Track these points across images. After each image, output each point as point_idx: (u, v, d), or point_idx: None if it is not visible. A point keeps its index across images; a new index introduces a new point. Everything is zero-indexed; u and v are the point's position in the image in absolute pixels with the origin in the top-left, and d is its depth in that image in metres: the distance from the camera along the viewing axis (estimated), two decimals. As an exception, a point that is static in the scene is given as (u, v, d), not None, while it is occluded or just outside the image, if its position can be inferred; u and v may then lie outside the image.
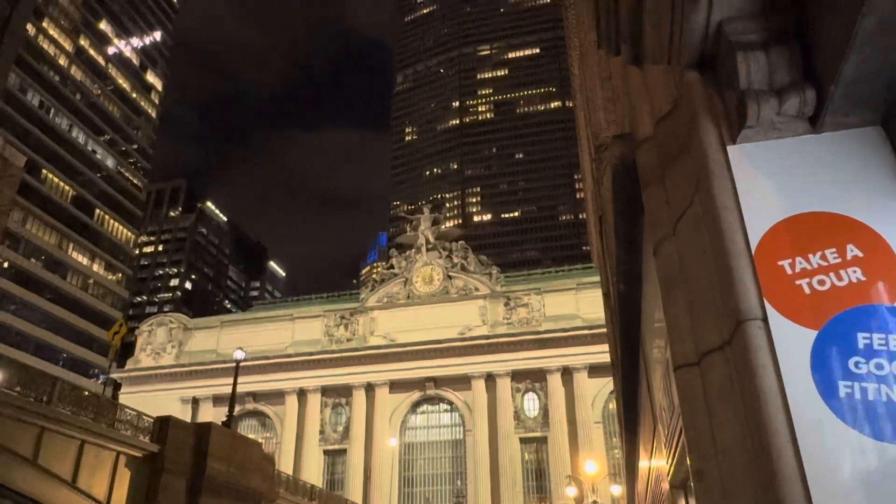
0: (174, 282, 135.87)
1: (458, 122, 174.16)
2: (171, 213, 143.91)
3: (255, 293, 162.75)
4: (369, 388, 46.71)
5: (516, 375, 44.56)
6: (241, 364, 35.19)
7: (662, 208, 3.49)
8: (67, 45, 77.61)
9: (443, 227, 55.93)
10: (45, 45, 74.08)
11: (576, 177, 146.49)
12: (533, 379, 44.27)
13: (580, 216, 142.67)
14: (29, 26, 71.04)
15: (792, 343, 2.61)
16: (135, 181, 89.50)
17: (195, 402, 49.51)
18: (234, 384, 28.83)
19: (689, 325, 3.15)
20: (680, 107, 3.32)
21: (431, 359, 45.71)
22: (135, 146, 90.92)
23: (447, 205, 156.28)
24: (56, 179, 72.42)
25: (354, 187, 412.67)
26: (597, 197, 11.33)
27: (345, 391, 47.32)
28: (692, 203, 3.16)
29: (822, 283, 2.65)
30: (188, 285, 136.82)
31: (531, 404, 44.44)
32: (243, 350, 31.72)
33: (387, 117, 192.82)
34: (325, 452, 46.84)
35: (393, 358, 46.49)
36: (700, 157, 3.05)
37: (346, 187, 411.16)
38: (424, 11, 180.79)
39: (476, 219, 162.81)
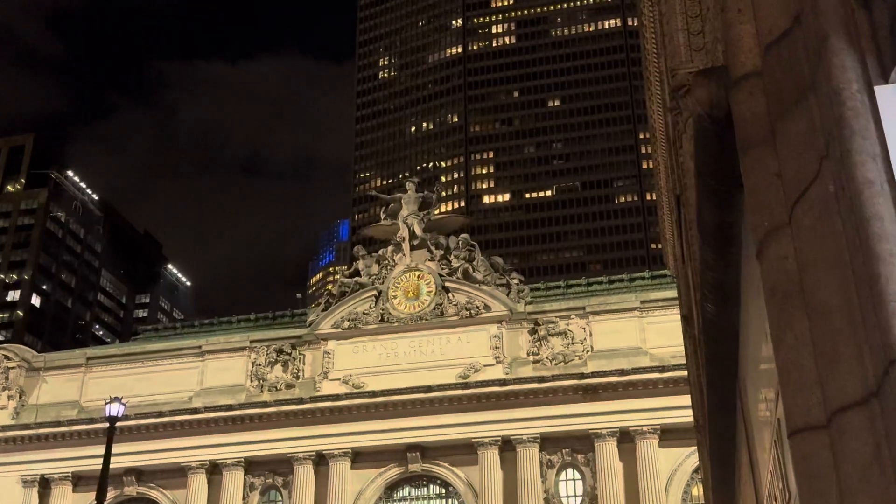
0: (13, 295, 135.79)
1: (459, 50, 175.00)
2: (10, 188, 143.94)
3: (142, 313, 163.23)
4: (321, 462, 46.74)
5: (548, 442, 44.67)
6: (119, 424, 35.07)
7: (772, 184, 3.49)
8: None
9: (436, 212, 55.86)
10: None
11: (642, 136, 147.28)
12: (574, 448, 44.35)
13: (648, 197, 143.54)
14: None
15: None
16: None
17: (45, 483, 49.40)
18: (107, 456, 28.75)
19: (812, 366, 3.14)
20: (803, 25, 3.31)
21: (417, 416, 45.74)
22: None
23: (443, 178, 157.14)
24: None
25: (300, 151, 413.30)
26: (673, 167, 11.36)
27: (283, 466, 47.34)
28: (819, 175, 3.15)
29: None
30: (35, 300, 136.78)
31: (571, 487, 44.43)
32: (122, 402, 31.60)
33: (350, 42, 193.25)
34: (250, 562, 46.93)
35: (358, 415, 46.52)
36: (832, 104, 3.04)
37: (286, 151, 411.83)
38: None
39: (487, 200, 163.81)
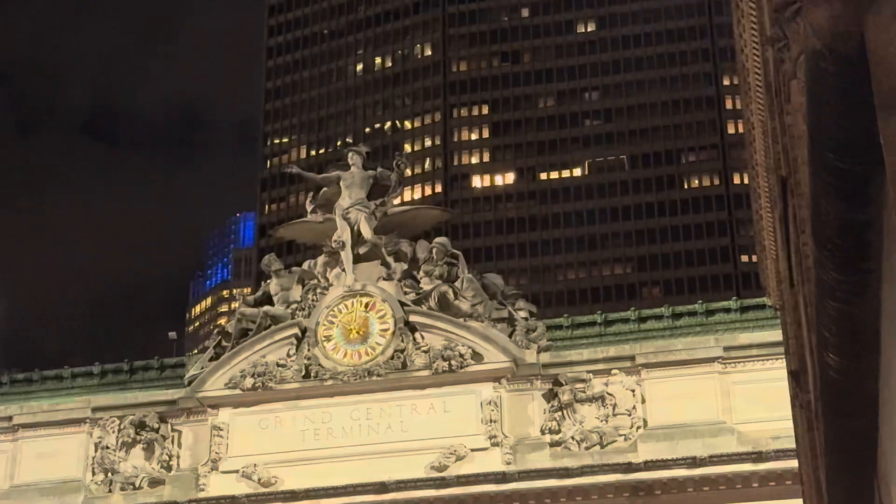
0: None
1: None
2: None
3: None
4: None
5: (574, 574, 44.94)
6: None
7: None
8: None
9: (396, 201, 55.89)
10: None
11: (726, 83, 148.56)
12: (615, 583, 44.68)
13: (735, 180, 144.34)
14: None
15: None
16: None
17: None
18: None
19: None
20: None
21: (363, 531, 45.92)
22: None
23: (408, 147, 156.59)
24: None
25: (177, 102, 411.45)
26: (776, 133, 11.45)
27: None
28: None
29: None
30: None
31: None
32: None
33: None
34: None
35: (265, 530, 46.57)
36: None
37: (155, 103, 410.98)
38: None
39: (478, 183, 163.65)
